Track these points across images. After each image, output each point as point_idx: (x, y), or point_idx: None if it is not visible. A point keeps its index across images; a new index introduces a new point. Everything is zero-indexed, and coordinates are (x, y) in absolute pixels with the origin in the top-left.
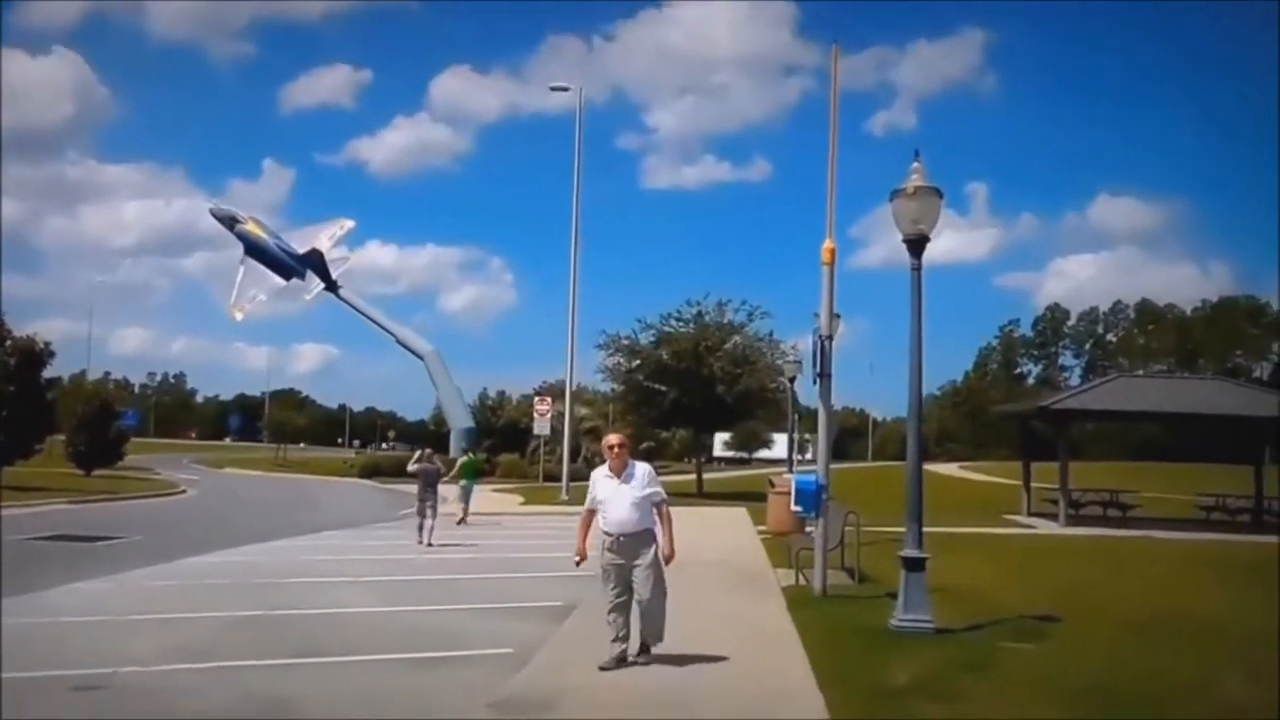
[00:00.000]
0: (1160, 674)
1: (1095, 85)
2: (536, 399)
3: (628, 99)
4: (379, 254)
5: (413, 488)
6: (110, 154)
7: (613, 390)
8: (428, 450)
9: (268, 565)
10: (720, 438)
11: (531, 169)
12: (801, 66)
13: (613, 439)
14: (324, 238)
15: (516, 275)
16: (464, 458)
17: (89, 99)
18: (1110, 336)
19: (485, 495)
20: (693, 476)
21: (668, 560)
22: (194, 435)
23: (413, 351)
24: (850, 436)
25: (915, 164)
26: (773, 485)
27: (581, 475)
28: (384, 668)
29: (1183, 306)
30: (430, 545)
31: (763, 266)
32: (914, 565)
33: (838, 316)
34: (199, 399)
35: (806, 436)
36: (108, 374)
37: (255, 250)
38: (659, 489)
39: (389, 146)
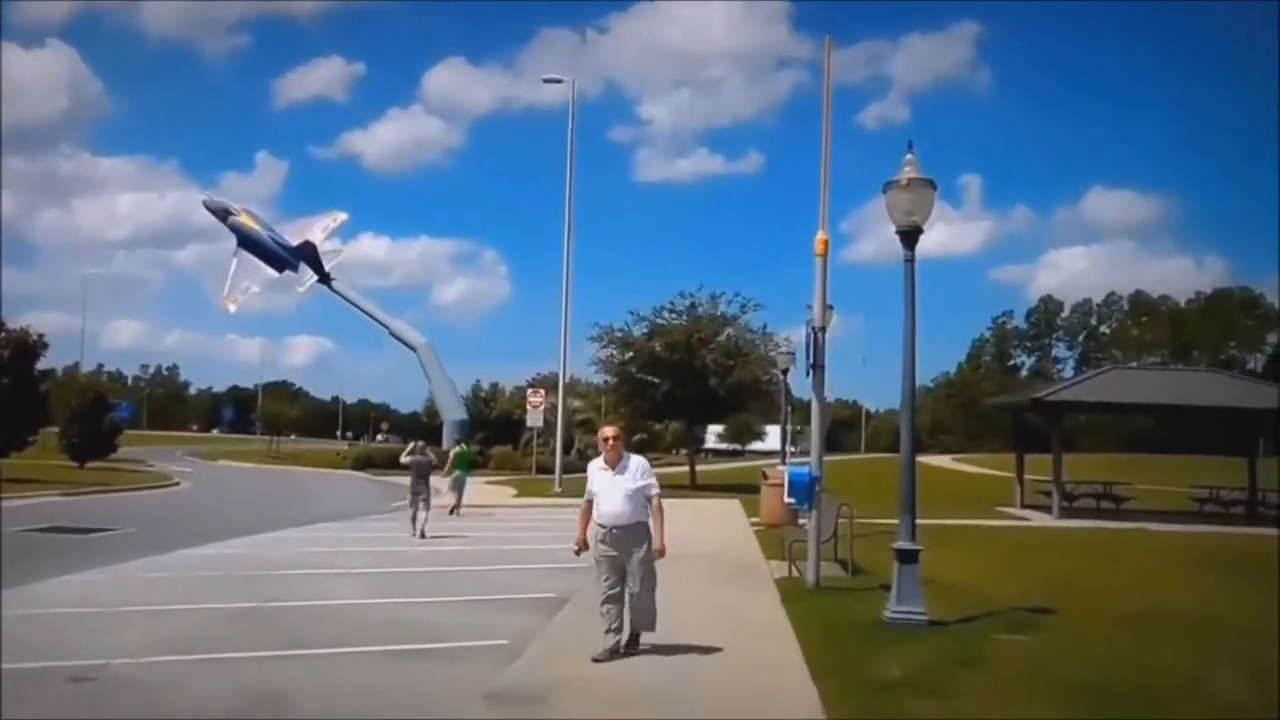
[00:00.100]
0: (1154, 667)
1: (1088, 78)
2: (530, 391)
3: (621, 91)
4: (372, 246)
5: (405, 480)
6: (104, 147)
7: (606, 382)
8: (421, 442)
9: (260, 557)
10: (713, 430)
11: (524, 161)
12: (794, 60)
13: (608, 431)
14: (317, 230)
15: (509, 268)
16: (457, 449)
17: (83, 93)
18: (1104, 328)
19: (478, 487)
20: (685, 468)
21: (658, 555)
22: (195, 428)
23: (406, 344)
24: (843, 428)
25: (908, 156)
26: (766, 477)
27: (574, 468)
28: (377, 660)
29: (1176, 298)
30: (423, 537)
31: (756, 259)
32: (907, 557)
33: (831, 308)
34: (192, 391)
35: (799, 428)
36: (101, 366)
37: (248, 243)
38: (652, 482)
39: (382, 139)
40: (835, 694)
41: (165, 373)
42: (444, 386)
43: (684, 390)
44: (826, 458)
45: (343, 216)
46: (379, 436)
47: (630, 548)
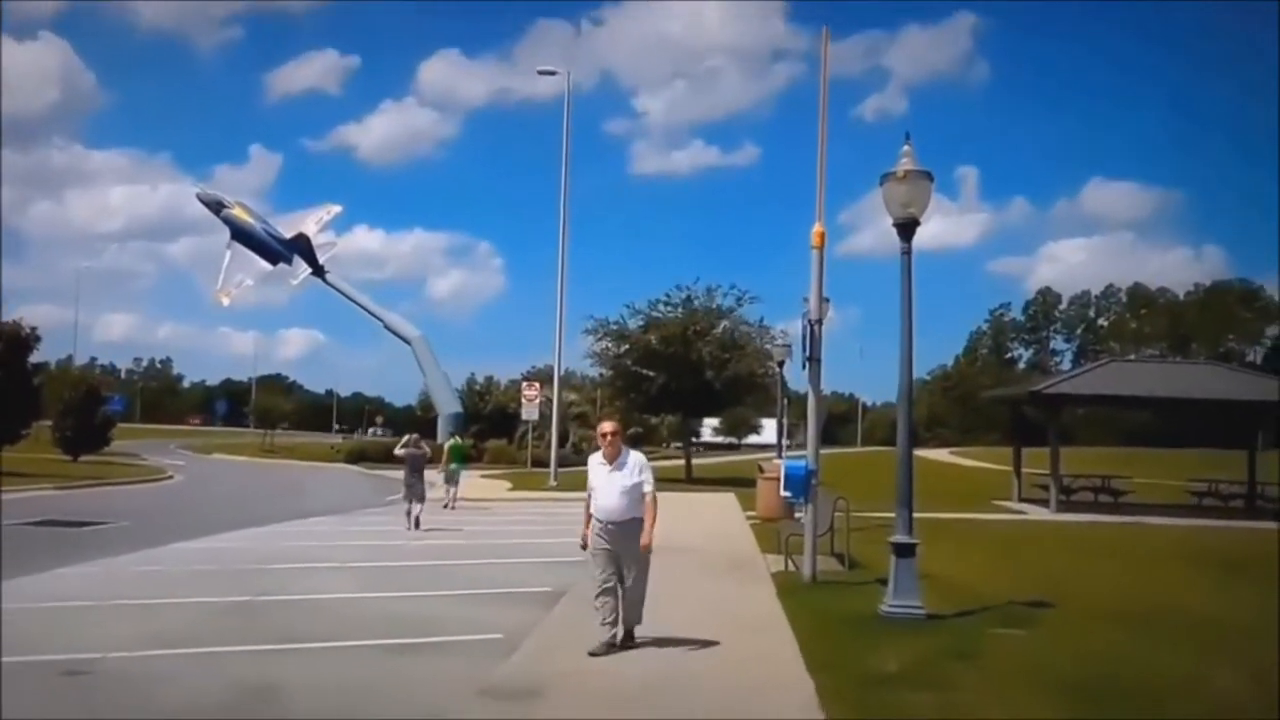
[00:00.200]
0: (1152, 664)
1: (1086, 70)
2: (524, 384)
3: (616, 84)
4: (366, 239)
5: (399, 474)
6: (96, 140)
7: (601, 375)
8: (415, 436)
9: (254, 551)
10: (709, 423)
11: (519, 154)
12: (790, 52)
13: (606, 427)
14: (311, 223)
15: (504, 260)
16: (451, 442)
17: (75, 85)
18: (1102, 321)
19: (473, 481)
20: (681, 462)
21: (643, 549)
22: (199, 421)
23: (400, 337)
24: (839, 422)
25: (905, 147)
26: (762, 471)
27: (569, 461)
28: (372, 654)
29: (1175, 290)
30: (418, 528)
31: (752, 251)
32: (904, 551)
33: (827, 301)
34: (185, 385)
35: (795, 421)
36: (94, 359)
37: (242, 235)
38: (648, 478)
39: (376, 132)
40: (832, 688)
41: (158, 366)
42: (438, 380)
43: (680, 383)
44: (823, 451)
45: (337, 209)
46: (371, 430)
47: (626, 543)
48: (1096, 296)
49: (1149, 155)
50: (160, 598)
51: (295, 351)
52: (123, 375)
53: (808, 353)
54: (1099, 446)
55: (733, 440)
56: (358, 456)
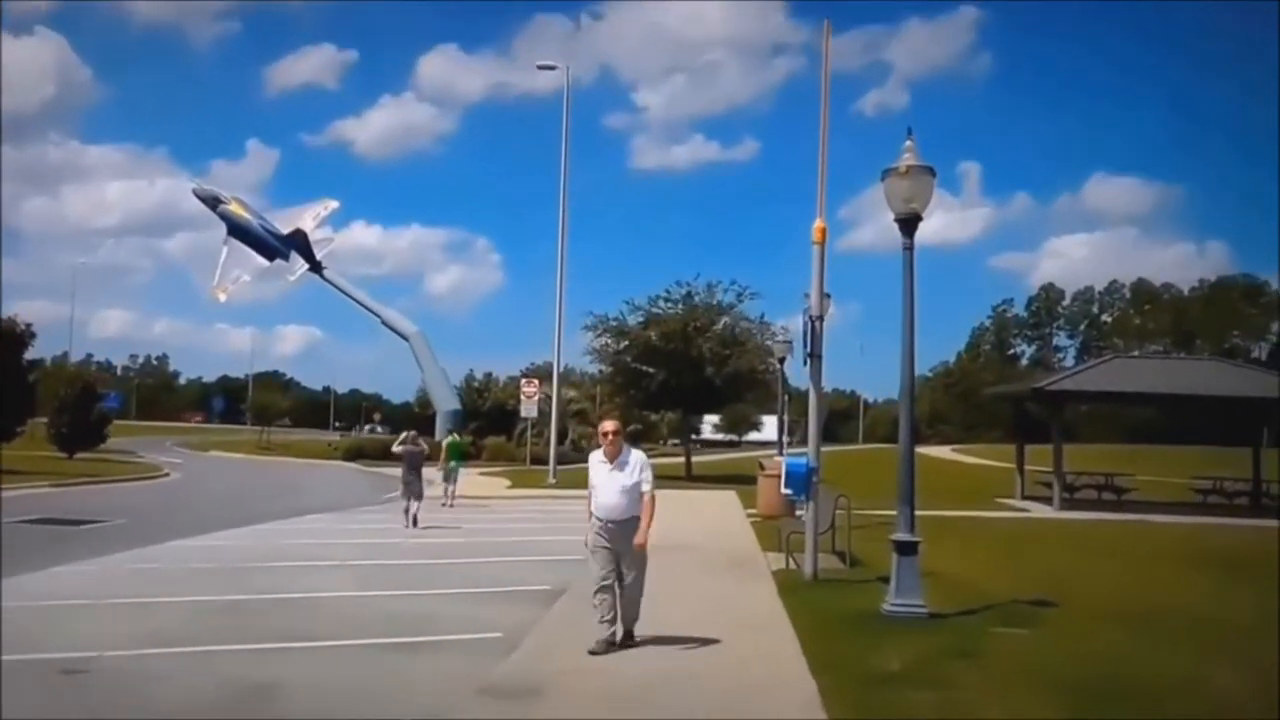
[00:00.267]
0: (1154, 664)
1: (1089, 64)
2: (523, 381)
3: (616, 78)
4: (363, 235)
5: (397, 471)
6: (92, 135)
7: (600, 372)
8: (413, 433)
9: (251, 549)
10: (709, 420)
11: (518, 149)
12: (791, 46)
13: (608, 426)
14: (308, 218)
15: (502, 256)
16: (449, 440)
17: (71, 80)
18: (1105, 317)
19: (471, 478)
20: (681, 459)
21: (637, 547)
22: (201, 419)
23: (398, 333)
24: (841, 419)
25: (907, 142)
26: (762, 468)
27: (569, 458)
28: (370, 653)
29: (1179, 286)
30: (415, 525)
31: (752, 247)
32: (906, 549)
33: (828, 297)
34: (181, 381)
35: (796, 418)
36: (90, 356)
37: (238, 231)
38: (647, 478)
39: (374, 127)
40: (834, 687)
41: (154, 362)
42: (436, 376)
43: (680, 380)
44: (824, 448)
45: (334, 204)
46: (368, 427)
47: (626, 541)
48: (1100, 292)
49: (1152, 150)
50: (157, 596)
51: (292, 348)
52: (118, 372)
53: (809, 349)
54: (1102, 443)
55: (733, 437)
56: (355, 454)
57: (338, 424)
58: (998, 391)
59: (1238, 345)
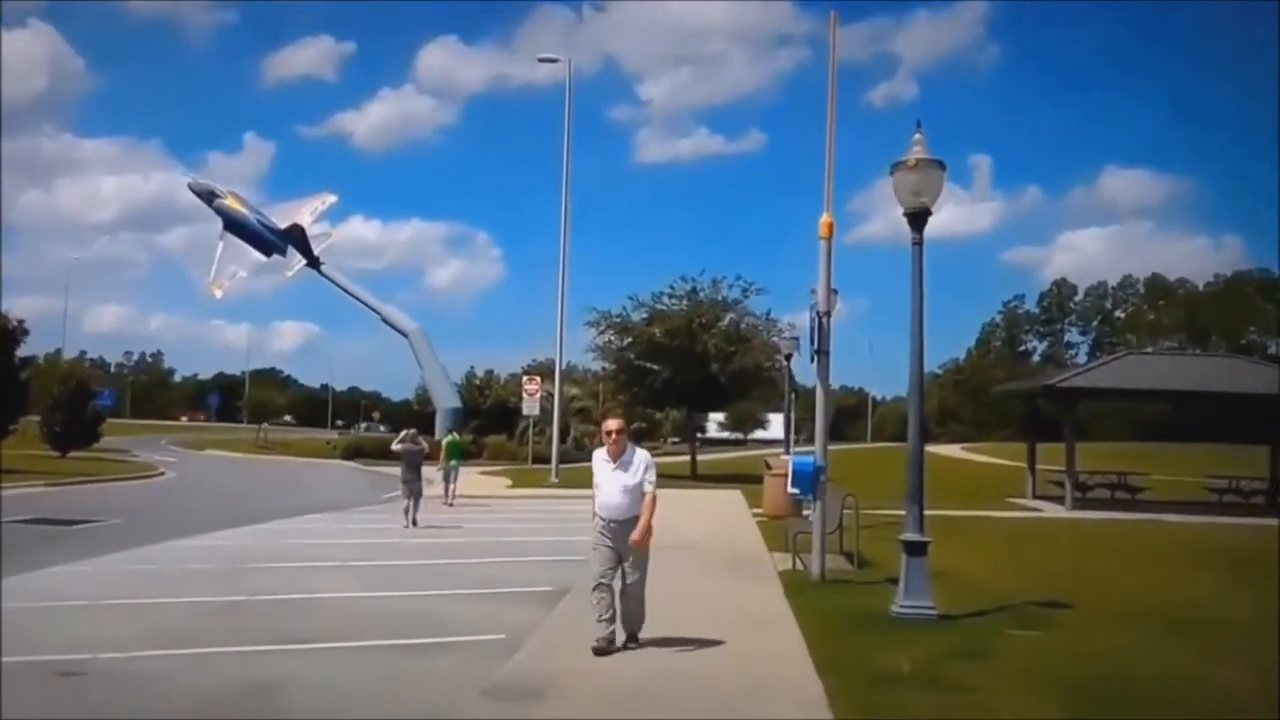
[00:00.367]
0: (1169, 668)
1: (1101, 54)
2: (525, 378)
3: (619, 70)
4: (362, 229)
5: (396, 470)
6: (86, 128)
7: (603, 369)
8: (413, 431)
9: (249, 549)
10: (714, 418)
11: (519, 142)
12: (797, 36)
13: (611, 424)
14: (305, 213)
15: (503, 251)
16: (449, 438)
17: (64, 72)
18: (1118, 312)
19: (472, 477)
20: (686, 458)
21: (635, 544)
22: (203, 418)
23: (397, 329)
24: (848, 417)
25: (916, 135)
26: (769, 467)
27: (571, 457)
28: (371, 654)
29: (1194, 281)
30: (415, 525)
31: (758, 241)
32: (915, 549)
33: (835, 293)
34: (177, 378)
35: (803, 416)
36: (83, 353)
37: (235, 226)
38: (650, 478)
39: (373, 119)
40: (840, 689)
41: (149, 359)
42: (436, 373)
43: (684, 377)
44: (831, 447)
45: (332, 199)
46: (363, 425)
47: (628, 540)
48: (1113, 287)
49: (1165, 143)
50: (154, 597)
51: (289, 344)
52: (112, 369)
53: (816, 346)
54: (1113, 441)
55: (739, 436)
56: (354, 452)
57: (339, 422)
58: (1009, 389)
59: (1254, 341)
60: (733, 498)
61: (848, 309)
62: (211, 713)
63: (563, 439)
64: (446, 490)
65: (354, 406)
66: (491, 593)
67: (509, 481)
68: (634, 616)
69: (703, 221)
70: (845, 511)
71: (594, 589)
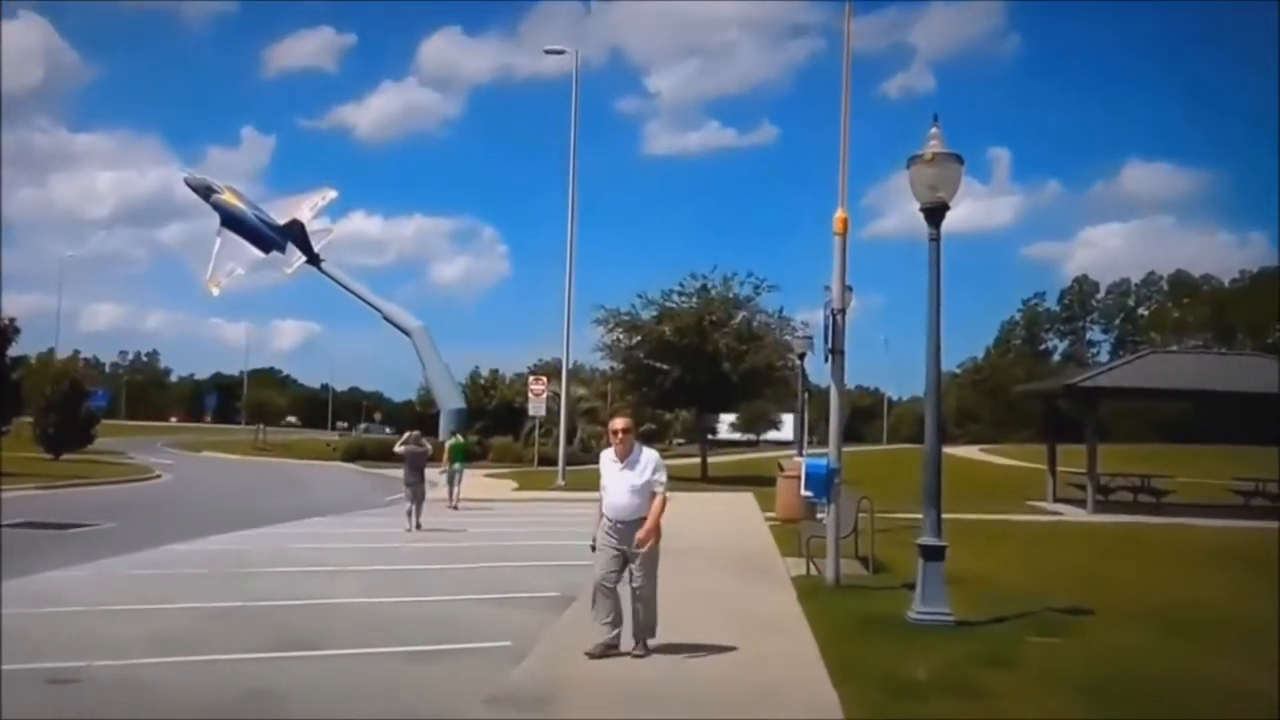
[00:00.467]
0: (1194, 677)
1: (1123, 43)
2: (531, 378)
3: (627, 61)
4: (364, 225)
5: (398, 472)
6: (81, 122)
7: (611, 369)
8: (416, 433)
9: (247, 554)
10: (726, 419)
11: (525, 135)
12: (810, 26)
13: (618, 424)
14: (305, 208)
15: (509, 247)
16: (453, 440)
17: (58, 64)
18: (1142, 310)
19: (477, 480)
20: (696, 460)
21: (638, 544)
22: (206, 418)
23: (399, 327)
24: (864, 417)
25: (933, 129)
26: (781, 469)
27: (578, 459)
28: (373, 661)
29: (1220, 277)
30: (419, 528)
31: (771, 237)
32: (932, 554)
33: (850, 290)
34: (173, 378)
35: (816, 417)
36: (77, 352)
37: (232, 221)
38: (659, 478)
39: (375, 112)
40: (855, 697)
41: (144, 359)
42: (439, 373)
43: (694, 377)
44: (846, 448)
45: (332, 194)
46: (362, 425)
47: (634, 543)
48: (1136, 284)
49: (1188, 136)
50: (149, 603)
51: (289, 343)
52: (107, 369)
53: (830, 344)
54: (1135, 443)
55: (751, 437)
56: (356, 454)
57: (343, 424)
58: (1028, 389)
59: None
60: (744, 500)
61: (863, 306)
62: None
63: (570, 440)
64: (450, 493)
65: (355, 407)
66: (496, 598)
67: (514, 484)
68: (647, 623)
69: (713, 216)
70: (860, 515)
71: (597, 591)
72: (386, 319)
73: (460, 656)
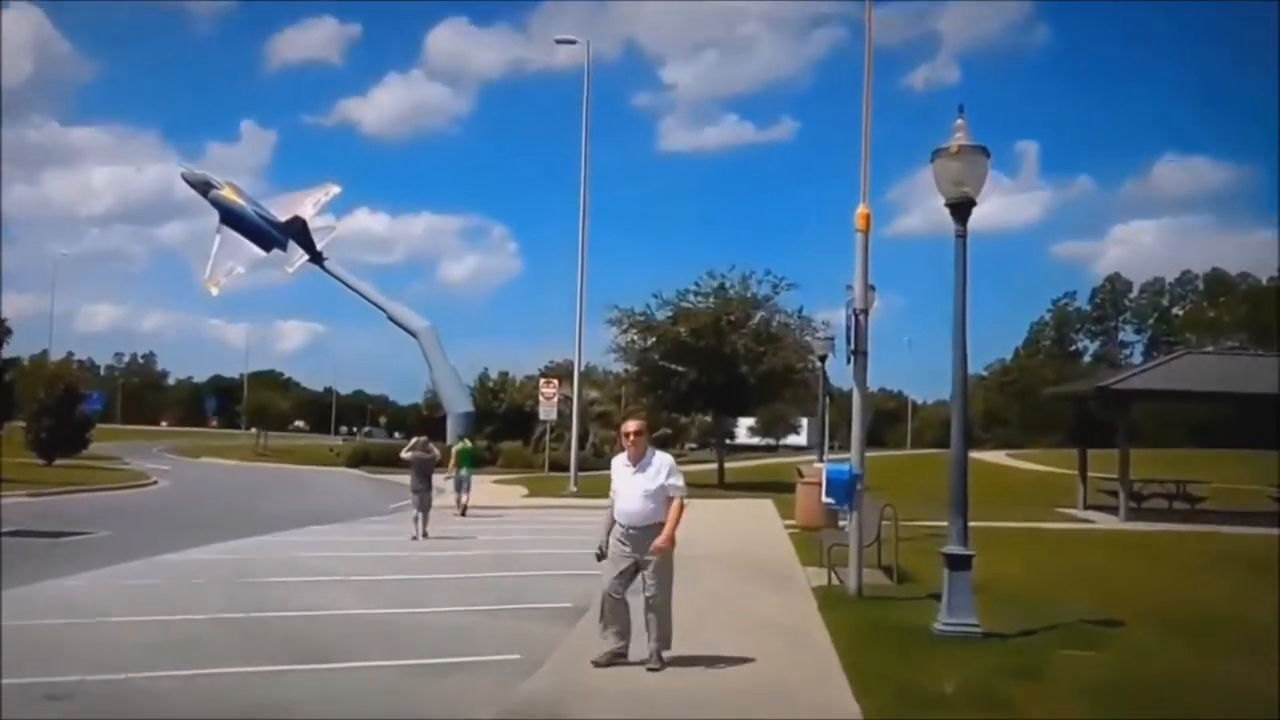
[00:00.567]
0: (1233, 688)
1: (1155, 34)
2: (542, 381)
3: (642, 53)
4: (369, 222)
5: (405, 478)
6: (76, 116)
7: (625, 371)
8: (423, 438)
9: (248, 563)
10: (744, 423)
11: (536, 130)
12: (831, 17)
13: (630, 426)
14: (308, 204)
15: (520, 245)
16: (460, 445)
17: (52, 57)
18: (1176, 310)
19: (486, 486)
20: (713, 466)
21: (653, 551)
22: (214, 423)
23: (405, 328)
24: (887, 421)
25: (959, 121)
26: (802, 475)
27: (590, 464)
28: (378, 674)
29: (1258, 276)
30: (425, 536)
31: (790, 235)
32: (958, 563)
33: (873, 289)
34: (170, 381)
35: (838, 421)
36: (71, 354)
37: (232, 218)
38: (676, 481)
39: (380, 106)
40: (878, 712)
41: (141, 361)
42: (447, 375)
43: (711, 379)
44: (869, 453)
45: (335, 190)
46: (364, 429)
47: (647, 550)
48: (1171, 283)
49: (1222, 130)
50: (146, 613)
51: (291, 345)
52: (102, 371)
53: (852, 345)
54: (1167, 448)
55: (770, 441)
56: (360, 459)
57: (351, 428)
58: (1058, 391)
59: None
60: (763, 507)
61: (885, 306)
62: None
63: (582, 445)
64: (458, 500)
65: (360, 411)
66: (506, 609)
67: (525, 490)
68: (661, 634)
69: (731, 213)
70: (884, 523)
71: (605, 599)
72: (392, 319)
73: (468, 670)
